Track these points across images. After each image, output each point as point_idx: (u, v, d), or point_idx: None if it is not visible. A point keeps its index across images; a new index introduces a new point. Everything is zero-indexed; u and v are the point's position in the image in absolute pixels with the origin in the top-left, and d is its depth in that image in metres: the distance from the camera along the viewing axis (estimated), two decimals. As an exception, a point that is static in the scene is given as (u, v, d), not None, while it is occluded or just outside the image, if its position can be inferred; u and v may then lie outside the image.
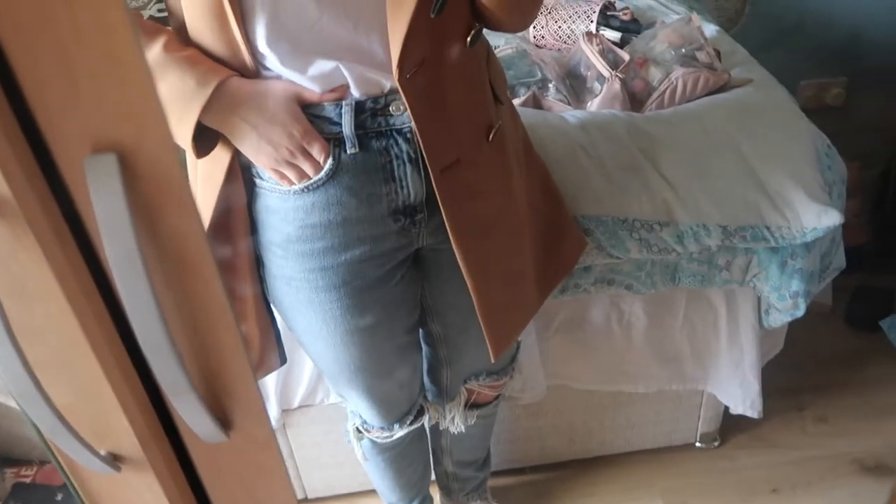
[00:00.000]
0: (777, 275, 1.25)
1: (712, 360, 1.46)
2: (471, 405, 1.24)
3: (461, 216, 0.89)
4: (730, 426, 1.65)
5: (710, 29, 1.54)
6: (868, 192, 2.05)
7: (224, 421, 0.44)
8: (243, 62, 0.80)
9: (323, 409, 1.49)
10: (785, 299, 1.27)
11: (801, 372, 1.78)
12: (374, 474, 1.36)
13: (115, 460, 0.44)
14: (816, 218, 1.18)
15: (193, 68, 0.78)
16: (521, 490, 1.60)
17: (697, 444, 1.67)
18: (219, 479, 0.47)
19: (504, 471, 1.61)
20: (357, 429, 1.21)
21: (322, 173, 0.84)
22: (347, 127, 0.82)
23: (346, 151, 0.84)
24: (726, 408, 1.56)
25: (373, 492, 1.64)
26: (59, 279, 0.36)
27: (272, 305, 1.01)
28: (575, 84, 1.40)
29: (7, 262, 0.35)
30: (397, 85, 0.78)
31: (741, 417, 1.53)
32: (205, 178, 0.87)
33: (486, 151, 0.90)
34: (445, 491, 1.51)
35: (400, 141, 0.85)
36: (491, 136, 0.89)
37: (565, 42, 1.57)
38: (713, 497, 1.57)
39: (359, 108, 0.82)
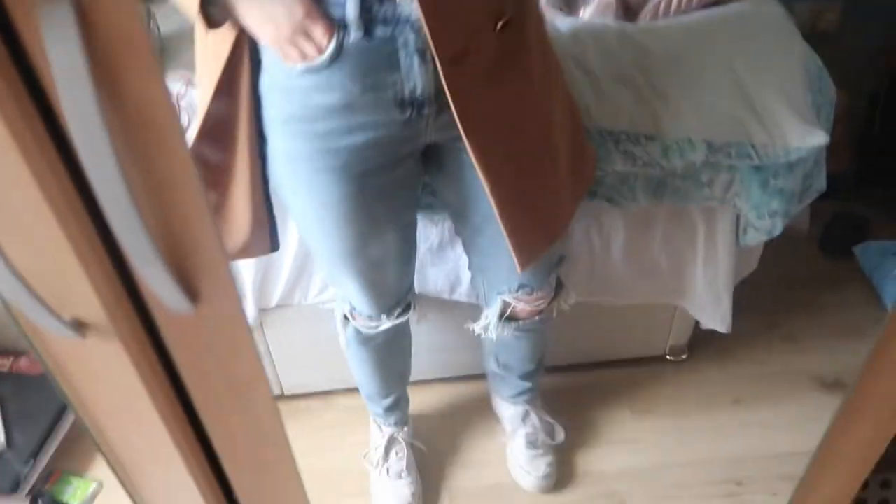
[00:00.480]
0: (758, 193, 1.26)
1: (688, 277, 1.48)
2: (507, 317, 1.22)
3: (471, 111, 0.86)
4: (699, 340, 1.70)
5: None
6: (855, 120, 2.04)
7: (192, 293, 0.44)
8: None
9: (300, 310, 1.51)
10: (763, 218, 1.28)
11: (773, 293, 1.82)
12: (354, 363, 1.39)
13: (79, 327, 0.43)
14: (801, 138, 1.17)
15: None
16: (485, 394, 1.65)
17: (667, 357, 1.72)
18: (188, 352, 0.48)
19: (470, 376, 1.66)
20: (344, 315, 1.24)
21: (324, 56, 0.83)
22: (352, 11, 0.81)
23: (350, 37, 0.82)
24: (696, 322, 1.60)
25: (347, 390, 1.69)
26: (14, 137, 0.35)
27: (272, 187, 1.01)
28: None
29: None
30: None
31: (710, 333, 1.58)
32: (213, 54, 0.87)
33: (494, 42, 0.86)
34: (493, 386, 1.55)
35: (407, 30, 0.82)
36: (499, 26, 0.86)
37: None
38: (677, 406, 1.63)
39: None
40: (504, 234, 0.97)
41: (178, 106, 1.23)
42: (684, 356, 1.72)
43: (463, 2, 0.83)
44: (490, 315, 1.23)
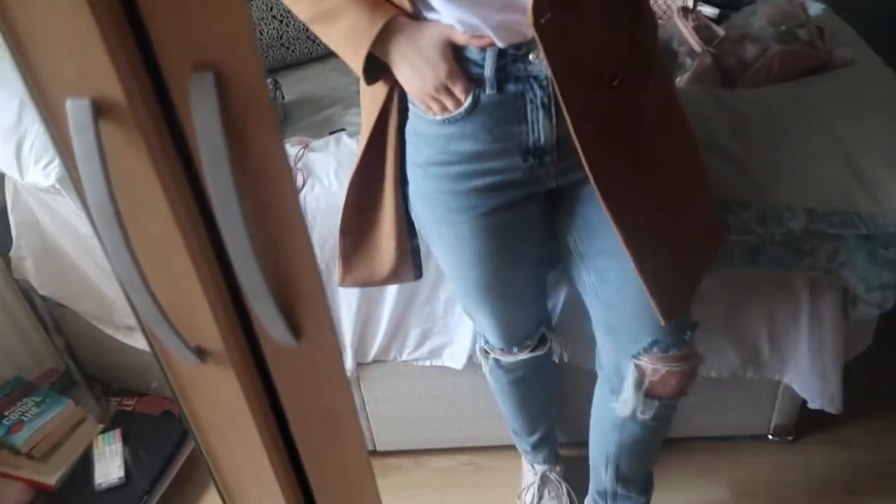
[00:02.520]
0: (866, 264, 1.20)
1: (791, 350, 1.42)
2: (648, 394, 1.12)
3: (599, 160, 0.93)
4: (807, 422, 1.60)
5: (816, 7, 1.49)
6: None
7: (296, 329, 0.49)
8: (405, 7, 0.92)
9: (395, 366, 1.56)
10: (873, 291, 1.22)
11: (891, 373, 1.70)
12: (498, 396, 1.44)
13: (201, 354, 0.50)
14: (913, 206, 1.13)
15: (368, 7, 0.92)
16: (584, 463, 1.61)
17: (770, 437, 1.63)
18: (290, 381, 0.53)
19: (570, 443, 1.63)
20: (483, 349, 1.33)
21: (462, 109, 0.94)
22: (489, 70, 0.92)
23: (485, 92, 0.93)
24: (803, 402, 1.51)
25: (440, 450, 1.71)
26: (160, 182, 0.42)
27: (415, 221, 1.12)
28: (666, 59, 1.38)
29: (119, 163, 0.41)
30: (532, 29, 0.84)
31: (820, 414, 1.48)
32: (370, 100, 1.02)
33: (608, 99, 0.93)
34: None
35: (535, 87, 0.92)
36: (616, 83, 0.92)
37: (661, 17, 1.55)
38: (782, 491, 1.53)
39: (501, 53, 0.91)
40: (640, 280, 0.98)
41: (295, 167, 1.35)
42: (790, 437, 1.62)
43: (584, 60, 0.90)
44: (627, 388, 1.12)
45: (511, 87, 0.92)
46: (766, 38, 1.29)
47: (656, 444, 1.28)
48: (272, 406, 0.56)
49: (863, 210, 1.15)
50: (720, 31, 1.35)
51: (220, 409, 0.54)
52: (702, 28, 1.37)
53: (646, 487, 1.35)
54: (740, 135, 1.20)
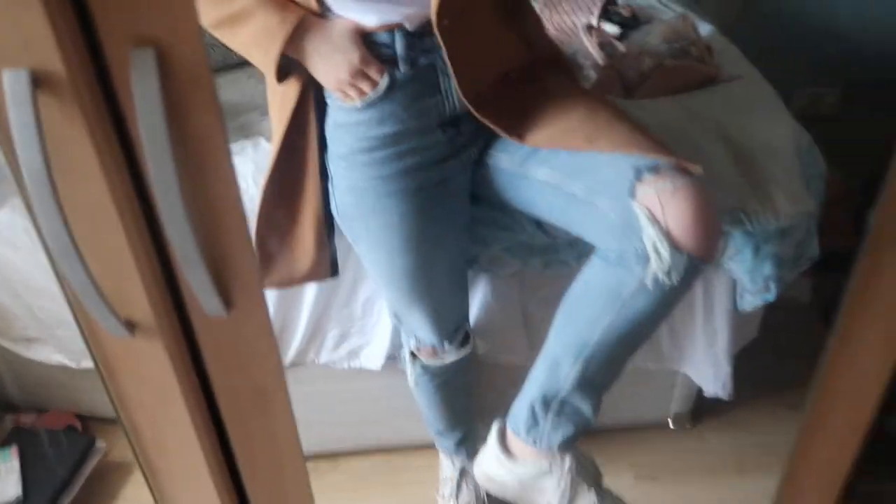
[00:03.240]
0: (750, 258, 1.32)
1: (687, 341, 1.52)
2: (674, 243, 0.92)
3: (513, 127, 1.02)
4: (703, 409, 1.72)
5: (706, 28, 1.62)
6: (855, 201, 2.12)
7: (226, 300, 0.51)
8: (311, 7, 0.98)
9: (313, 369, 1.55)
10: (757, 283, 1.34)
11: (778, 363, 1.84)
12: (422, 401, 1.46)
13: (131, 326, 0.51)
14: (791, 205, 1.25)
15: (277, 9, 0.96)
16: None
17: (670, 425, 1.73)
18: (219, 355, 0.54)
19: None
20: (411, 352, 1.34)
21: (379, 89, 0.99)
22: (401, 49, 0.98)
23: (399, 70, 0.99)
24: (699, 391, 1.63)
25: (355, 453, 1.72)
26: (97, 153, 0.43)
27: (338, 220, 1.14)
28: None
29: (55, 134, 0.42)
30: (436, 31, 0.93)
31: (714, 402, 1.60)
32: (281, 100, 1.05)
33: (503, 89, 1.03)
34: (530, 423, 1.12)
35: (444, 55, 0.98)
36: (510, 77, 1.02)
37: (567, 33, 1.64)
38: (682, 474, 1.64)
39: (408, 33, 0.98)
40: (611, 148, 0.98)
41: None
42: (688, 425, 1.73)
43: (480, 57, 0.99)
44: (650, 236, 0.92)
45: (422, 61, 0.99)
46: (662, 54, 1.40)
47: (648, 336, 1.08)
48: (201, 383, 0.57)
49: (747, 208, 1.27)
50: (621, 47, 1.45)
51: (148, 384, 0.54)
52: (605, 44, 1.48)
53: (599, 405, 1.13)
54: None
